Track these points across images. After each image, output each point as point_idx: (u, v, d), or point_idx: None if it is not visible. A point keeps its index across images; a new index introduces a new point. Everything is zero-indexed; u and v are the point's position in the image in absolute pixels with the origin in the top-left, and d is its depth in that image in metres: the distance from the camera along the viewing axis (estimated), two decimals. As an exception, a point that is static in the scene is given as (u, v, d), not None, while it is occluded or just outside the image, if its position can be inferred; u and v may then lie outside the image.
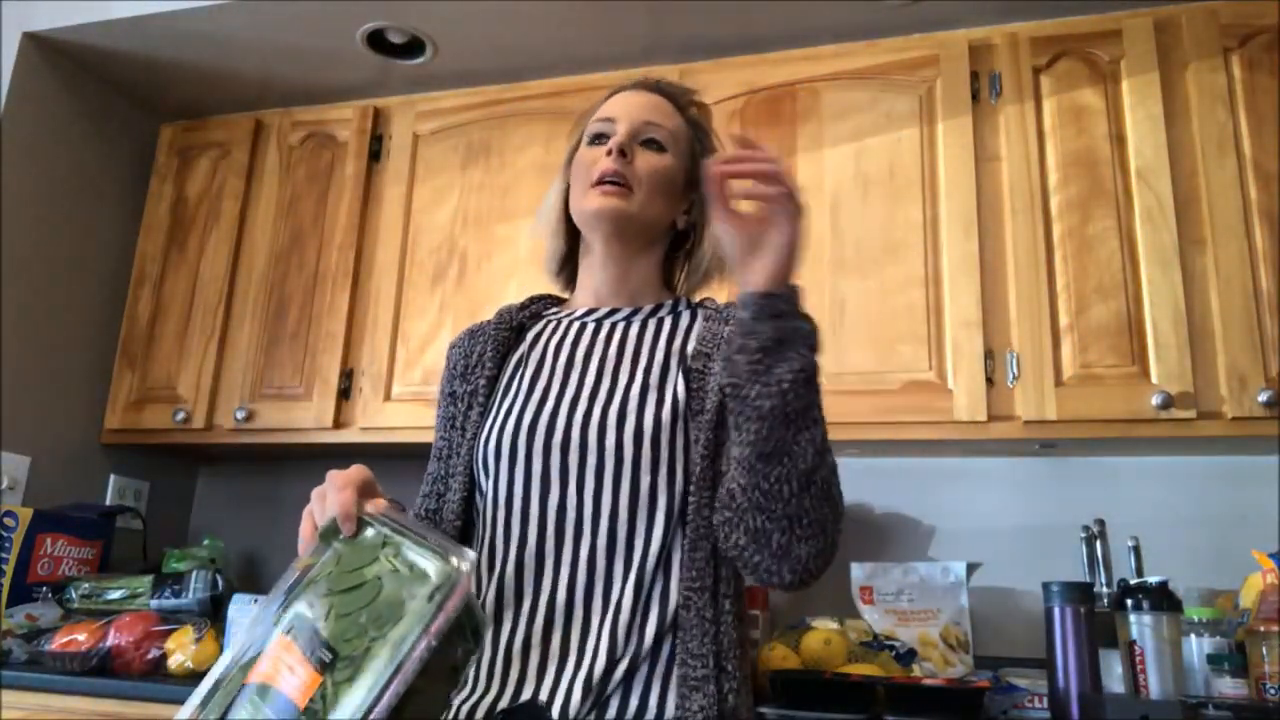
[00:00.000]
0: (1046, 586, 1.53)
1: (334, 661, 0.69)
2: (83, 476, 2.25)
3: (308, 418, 2.11)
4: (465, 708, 0.89)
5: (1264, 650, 1.43)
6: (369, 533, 0.77)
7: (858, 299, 1.83)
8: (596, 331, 1.02)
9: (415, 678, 0.67)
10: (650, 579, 0.89)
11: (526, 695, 0.87)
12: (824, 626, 1.70)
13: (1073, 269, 1.74)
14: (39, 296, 2.17)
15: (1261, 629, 1.45)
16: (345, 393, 2.11)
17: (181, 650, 1.72)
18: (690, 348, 0.98)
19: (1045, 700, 1.52)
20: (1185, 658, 1.51)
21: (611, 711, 0.86)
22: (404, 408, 2.05)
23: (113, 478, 2.33)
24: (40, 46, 2.18)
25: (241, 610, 1.72)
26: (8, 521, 1.94)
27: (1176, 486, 1.85)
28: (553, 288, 1.14)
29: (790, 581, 0.85)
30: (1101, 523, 1.80)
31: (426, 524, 0.81)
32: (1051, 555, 1.87)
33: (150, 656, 1.73)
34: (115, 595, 1.90)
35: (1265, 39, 1.74)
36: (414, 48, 2.14)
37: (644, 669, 0.87)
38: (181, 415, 2.19)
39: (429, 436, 1.10)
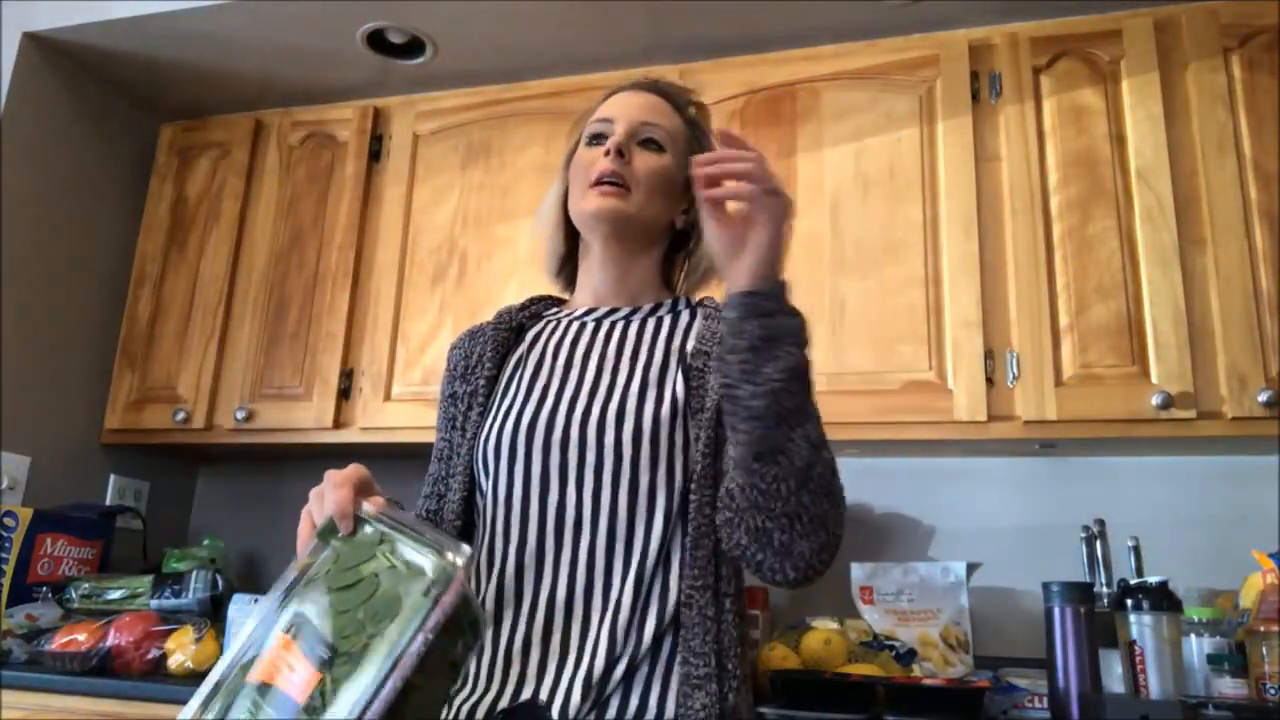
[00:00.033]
0: (1046, 586, 1.53)
1: (333, 658, 0.69)
2: (83, 476, 2.25)
3: (308, 418, 2.11)
4: (465, 707, 0.89)
5: (1264, 650, 1.43)
6: (366, 531, 0.77)
7: (858, 299, 1.83)
8: (596, 331, 1.02)
9: (413, 673, 0.67)
10: (650, 577, 0.89)
11: (527, 694, 0.87)
12: (824, 626, 1.70)
13: (1073, 269, 1.74)
14: (39, 296, 2.17)
15: (1261, 629, 1.45)
16: (345, 393, 2.11)
17: (181, 650, 1.72)
18: (690, 346, 0.98)
19: (1045, 700, 1.52)
20: (1185, 658, 1.51)
21: (611, 711, 0.86)
22: (404, 408, 2.05)
23: (113, 478, 2.33)
24: (40, 46, 2.18)
25: (241, 610, 1.72)
26: (8, 521, 1.94)
27: (1176, 486, 1.85)
28: (553, 288, 1.15)
29: (795, 578, 0.85)
30: (1101, 523, 1.80)
31: (423, 521, 0.82)
32: (1051, 555, 1.87)
33: (150, 656, 1.73)
34: (115, 595, 1.90)
35: (1265, 39, 1.74)
36: (414, 48, 2.14)
37: (644, 668, 0.88)
38: (181, 415, 2.19)
39: (429, 436, 1.10)
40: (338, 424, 2.10)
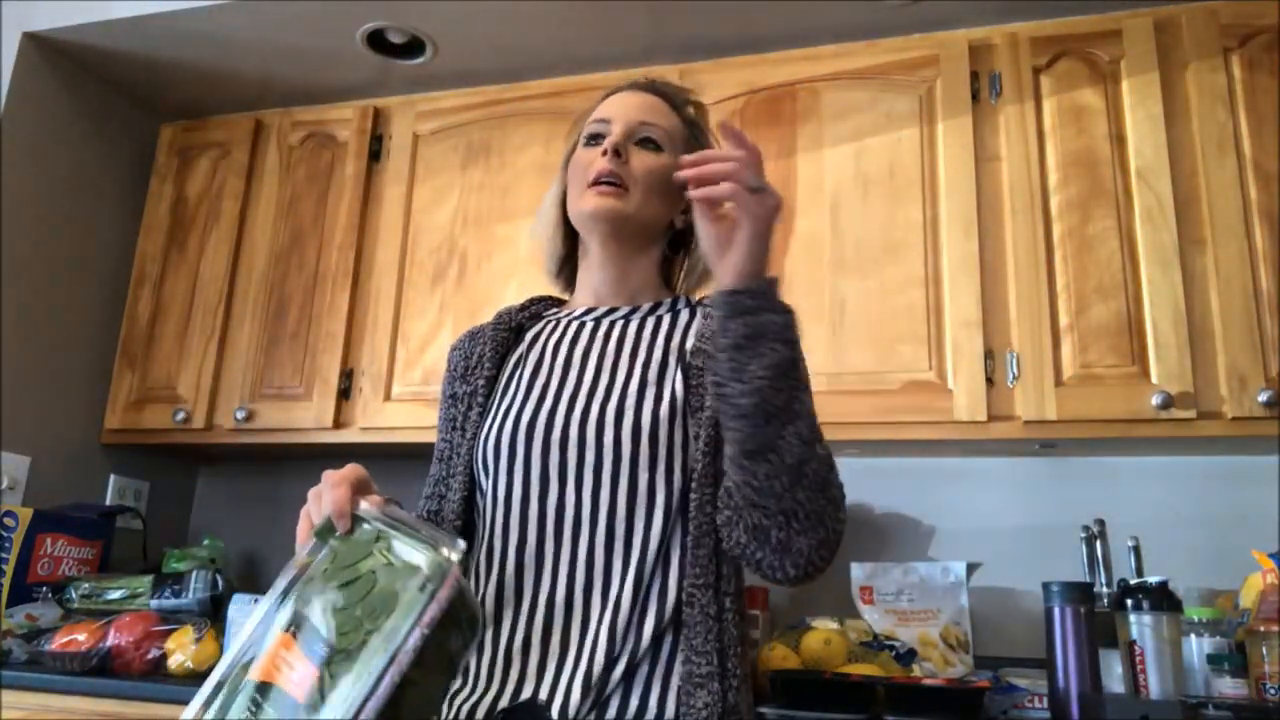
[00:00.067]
0: (1046, 586, 1.53)
1: (332, 655, 0.70)
2: (83, 476, 2.25)
3: (308, 418, 2.11)
4: (466, 707, 0.89)
5: (1264, 650, 1.43)
6: (364, 529, 0.78)
7: (858, 299, 1.83)
8: (595, 330, 1.02)
9: (411, 669, 0.68)
10: (649, 575, 0.90)
11: (527, 694, 0.87)
12: (824, 626, 1.70)
13: (1073, 269, 1.74)
14: (39, 296, 2.17)
15: (1261, 629, 1.45)
16: (345, 393, 2.11)
17: (181, 650, 1.72)
18: (689, 344, 0.98)
19: (1045, 700, 1.52)
20: (1185, 658, 1.51)
21: (612, 711, 0.86)
22: (404, 408, 2.05)
23: (113, 478, 2.33)
24: (40, 46, 2.18)
25: (241, 610, 1.72)
26: (8, 521, 1.94)
27: (1176, 486, 1.85)
28: (552, 289, 1.15)
29: (794, 576, 0.85)
30: (1101, 523, 1.80)
31: (419, 518, 0.82)
32: (1051, 555, 1.87)
33: (150, 656, 1.73)
34: (115, 595, 1.90)
35: (1265, 39, 1.74)
36: (414, 48, 2.14)
37: (644, 668, 0.88)
38: (181, 415, 2.19)
39: (429, 436, 1.10)
40: (338, 424, 2.10)
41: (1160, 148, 1.74)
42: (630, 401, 0.93)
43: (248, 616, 0.77)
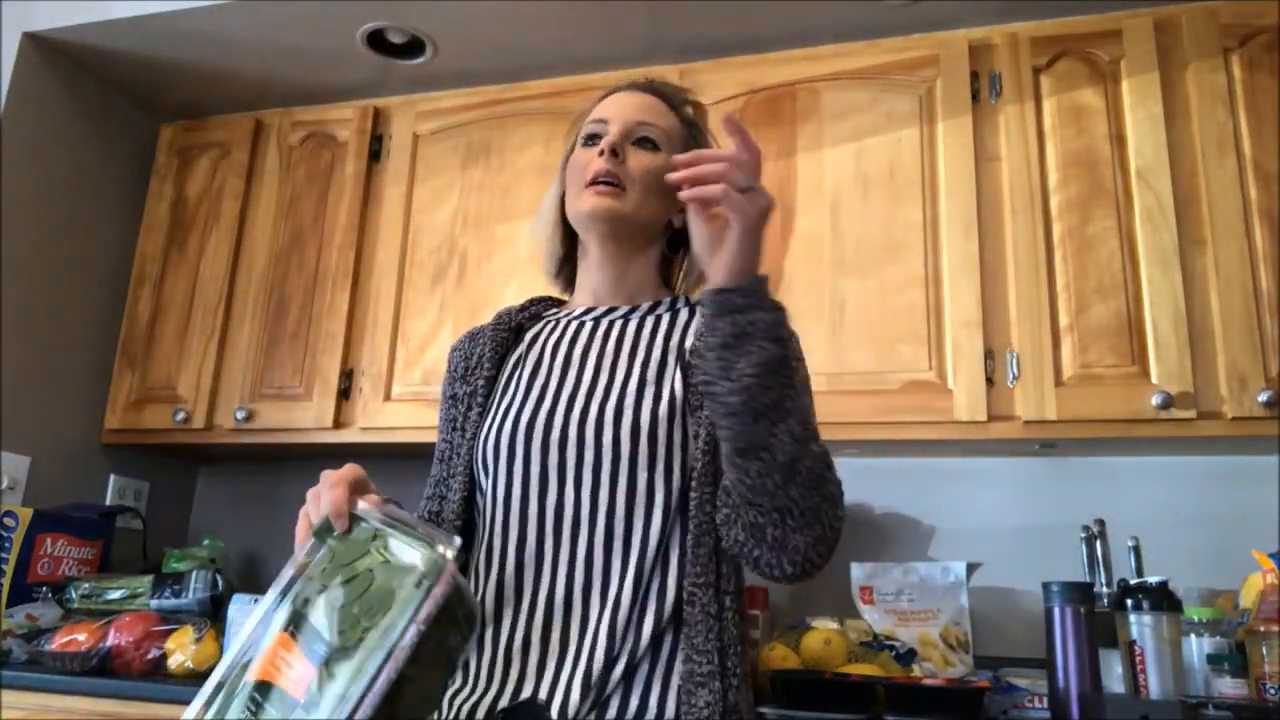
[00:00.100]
0: (1046, 586, 1.53)
1: (330, 653, 0.70)
2: (83, 476, 2.25)
3: (308, 418, 2.11)
4: (466, 706, 0.89)
5: (1264, 650, 1.43)
6: (361, 528, 0.79)
7: (858, 299, 1.83)
8: (594, 330, 1.03)
9: (408, 665, 0.68)
10: (649, 574, 0.90)
11: (526, 693, 0.87)
12: (824, 626, 1.70)
13: (1073, 269, 1.74)
14: (39, 296, 2.17)
15: (1261, 629, 1.45)
16: (345, 393, 2.11)
17: (181, 650, 1.72)
18: (689, 343, 0.98)
19: (1045, 700, 1.52)
20: (1185, 658, 1.51)
21: (612, 711, 0.86)
22: (404, 408, 2.05)
23: (113, 478, 2.33)
24: (40, 46, 2.18)
25: (241, 610, 1.72)
26: (8, 521, 1.94)
27: (1176, 486, 1.85)
28: (552, 289, 1.15)
29: (792, 573, 0.85)
30: (1101, 523, 1.79)
31: (415, 516, 0.83)
32: (1051, 555, 1.87)
33: (150, 656, 1.73)
34: (115, 595, 1.90)
35: (1265, 39, 1.74)
36: (414, 48, 2.14)
37: (644, 668, 0.88)
38: (181, 415, 2.19)
39: (429, 436, 1.10)
40: (338, 424, 2.10)
41: (1160, 148, 1.74)
42: (629, 400, 0.93)
43: (248, 616, 0.78)
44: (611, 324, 1.03)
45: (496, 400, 1.00)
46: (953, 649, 1.75)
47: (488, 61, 2.16)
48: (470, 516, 1.00)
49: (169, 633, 1.76)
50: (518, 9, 1.98)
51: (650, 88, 1.08)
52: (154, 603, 1.86)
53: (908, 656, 1.65)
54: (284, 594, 0.77)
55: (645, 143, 1.02)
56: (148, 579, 1.91)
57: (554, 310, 1.10)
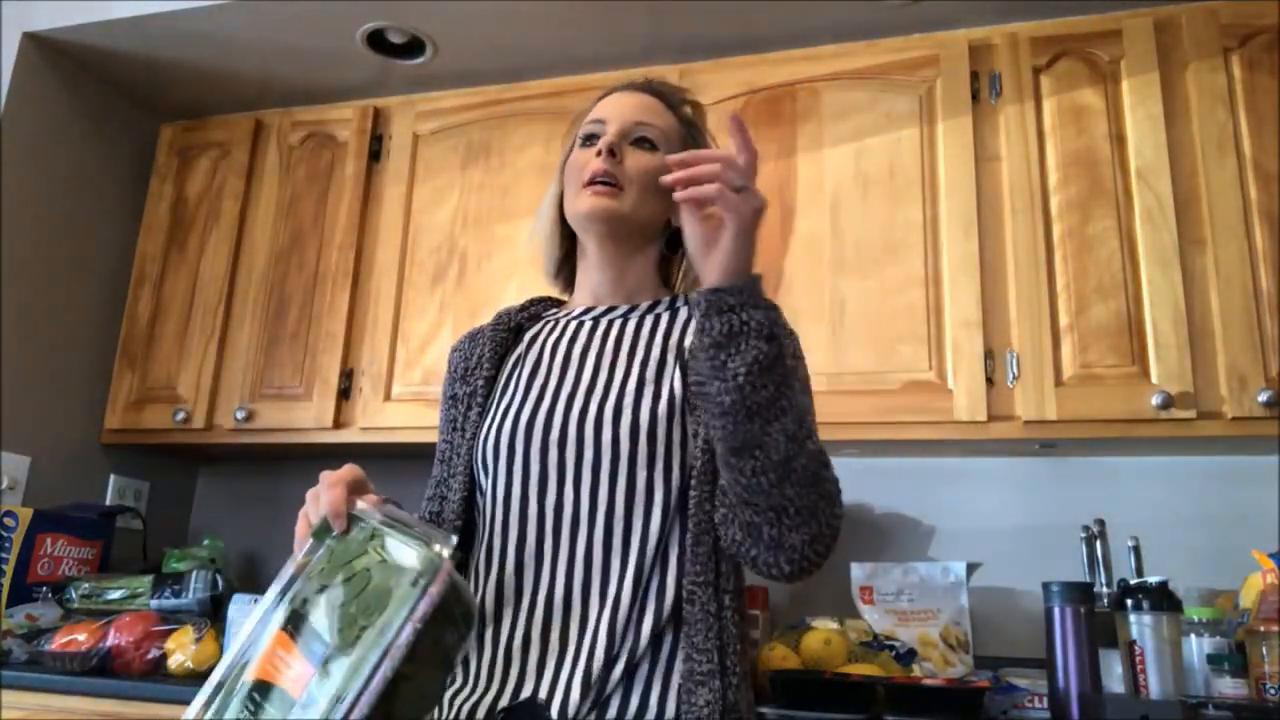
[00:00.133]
0: (1046, 586, 1.53)
1: (328, 652, 0.70)
2: (83, 476, 2.25)
3: (308, 418, 2.11)
4: (466, 706, 0.89)
5: (1264, 650, 1.43)
6: (359, 528, 0.79)
7: (858, 299, 1.83)
8: (593, 329, 1.03)
9: (404, 663, 0.69)
10: (649, 573, 0.90)
11: (527, 692, 0.87)
12: (824, 626, 1.70)
13: (1073, 269, 1.74)
14: (39, 296, 2.17)
15: (1261, 629, 1.45)
16: (345, 393, 2.11)
17: (181, 650, 1.72)
18: (688, 342, 0.98)
19: (1045, 700, 1.52)
20: (1185, 658, 1.51)
21: (612, 711, 0.86)
22: (404, 408, 2.05)
23: (113, 478, 2.33)
24: (40, 46, 2.19)
25: (241, 610, 1.72)
26: (8, 521, 1.94)
27: (1176, 486, 1.85)
28: (552, 290, 1.15)
29: (790, 572, 0.85)
30: (1101, 523, 1.79)
31: (414, 516, 0.83)
32: (1051, 555, 1.87)
33: (150, 656, 1.73)
34: (115, 595, 1.90)
35: (1265, 39, 1.74)
36: (414, 48, 2.14)
37: (644, 667, 0.88)
38: (181, 415, 2.19)
39: (429, 437, 1.11)
40: (338, 424, 2.10)
41: (1160, 148, 1.74)
42: (629, 399, 0.93)
43: (247, 616, 0.78)
44: (611, 323, 1.03)
45: (496, 400, 1.01)
46: (953, 649, 1.75)
47: (488, 61, 2.16)
48: (470, 516, 1.00)
49: (169, 633, 1.76)
50: (518, 9, 1.98)
51: (648, 88, 1.08)
52: (154, 603, 1.86)
53: (908, 656, 1.65)
54: (283, 594, 0.77)
55: (643, 143, 1.02)
56: (148, 579, 1.91)
57: (553, 310, 1.10)
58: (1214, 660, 1.50)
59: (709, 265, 0.82)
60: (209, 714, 0.73)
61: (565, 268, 1.12)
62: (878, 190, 1.87)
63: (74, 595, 1.91)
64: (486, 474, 0.96)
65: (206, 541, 2.27)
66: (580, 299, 1.08)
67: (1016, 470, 1.95)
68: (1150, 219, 1.72)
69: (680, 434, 0.92)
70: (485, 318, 1.11)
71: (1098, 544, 1.78)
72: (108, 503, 2.30)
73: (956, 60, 1.89)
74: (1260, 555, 1.53)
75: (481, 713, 0.88)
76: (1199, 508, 1.83)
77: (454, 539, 0.75)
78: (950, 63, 1.89)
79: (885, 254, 1.84)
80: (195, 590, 1.86)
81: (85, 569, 2.06)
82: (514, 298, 1.12)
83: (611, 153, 0.99)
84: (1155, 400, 1.62)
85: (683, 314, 1.03)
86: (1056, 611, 1.50)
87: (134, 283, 2.36)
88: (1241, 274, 1.66)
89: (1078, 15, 1.85)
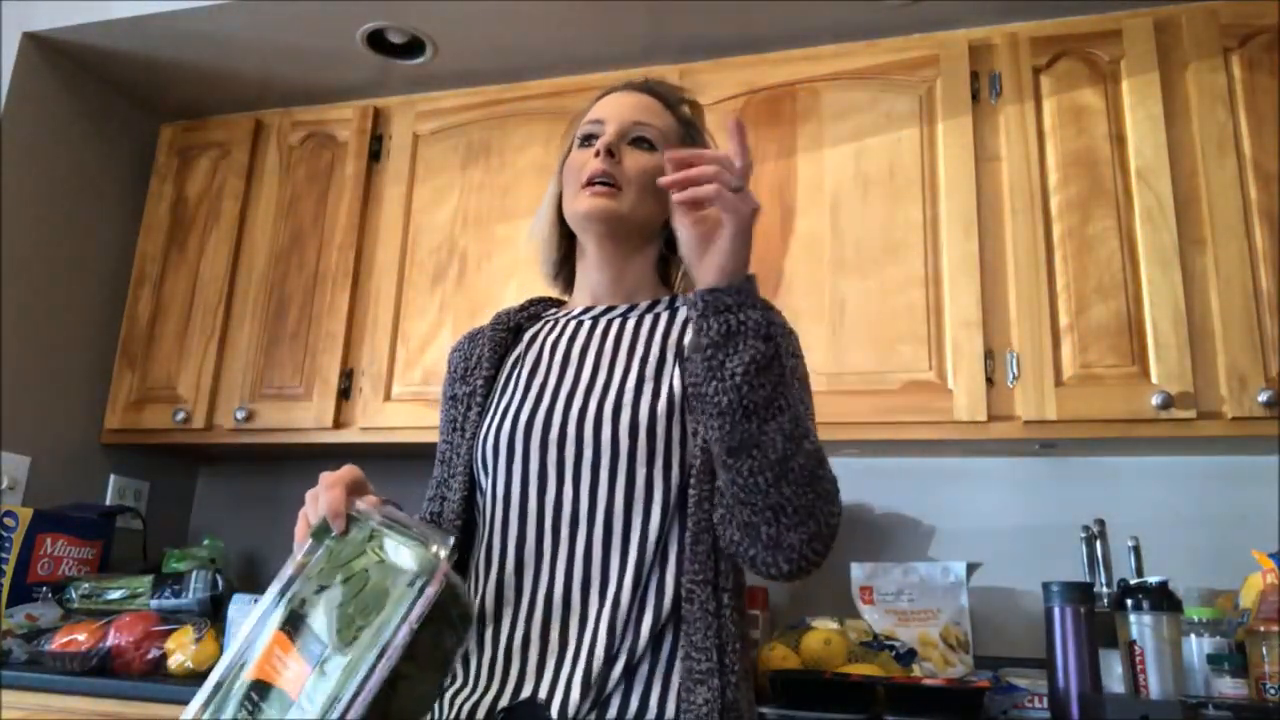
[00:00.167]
0: (1046, 586, 1.53)
1: (325, 652, 0.70)
2: (83, 476, 2.25)
3: (308, 418, 2.11)
4: (466, 706, 0.89)
5: (1264, 650, 1.43)
6: (358, 529, 0.79)
7: (858, 299, 1.83)
8: (593, 329, 1.03)
9: (402, 663, 0.69)
10: (648, 571, 0.90)
11: (527, 692, 0.87)
12: (824, 626, 1.70)
13: (1073, 269, 1.74)
14: (39, 296, 2.17)
15: (1261, 629, 1.45)
16: (345, 393, 2.11)
17: (181, 650, 1.72)
18: (687, 340, 0.98)
19: (1045, 700, 1.52)
20: (1185, 658, 1.51)
21: (612, 711, 0.86)
22: (404, 408, 2.05)
23: (113, 478, 2.33)
24: (40, 46, 2.19)
25: (241, 610, 1.72)
26: (8, 521, 1.94)
27: (1176, 486, 1.85)
28: (552, 290, 1.15)
29: (789, 571, 0.85)
30: (1101, 523, 1.79)
31: (413, 517, 0.83)
32: (1051, 555, 1.87)
33: (150, 656, 1.73)
34: (115, 595, 1.90)
35: (1265, 39, 1.74)
36: (414, 48, 2.14)
37: (644, 667, 0.88)
38: (181, 415, 2.19)
39: (429, 437, 1.11)
40: (338, 424, 2.10)
41: (1160, 148, 1.74)
42: (628, 398, 0.93)
43: (247, 616, 0.78)
44: (610, 323, 1.03)
45: (495, 400, 1.01)
46: (953, 649, 1.75)
47: (488, 61, 2.16)
48: (470, 516, 1.00)
49: (169, 633, 1.76)
50: (518, 9, 1.98)
51: (646, 88, 1.08)
52: (154, 603, 1.86)
53: (908, 656, 1.65)
54: (281, 594, 0.78)
55: (641, 143, 1.02)
56: (148, 579, 1.91)
57: (553, 310, 1.10)
58: (1214, 660, 1.50)
59: (705, 266, 0.82)
60: (207, 714, 0.73)
61: (564, 268, 1.12)
62: (878, 190, 1.87)
63: (74, 595, 1.91)
64: (486, 473, 0.96)
65: (206, 541, 2.28)
66: (579, 299, 1.08)
67: (1016, 470, 1.95)
68: (1150, 219, 1.72)
69: (680, 432, 0.92)
70: (485, 318, 1.11)
71: (1098, 544, 1.78)
72: (108, 503, 2.30)
73: (956, 60, 1.89)
74: (1260, 555, 1.53)
75: (481, 712, 0.88)
76: (1199, 508, 1.83)
77: (452, 540, 0.75)
78: (950, 63, 1.89)
79: (885, 254, 1.84)
80: (195, 590, 1.86)
81: (85, 569, 2.06)
82: (514, 298, 1.13)
83: (610, 153, 0.99)
84: (1155, 400, 1.62)
85: (682, 313, 1.03)
86: (1056, 611, 1.50)
87: (134, 283, 2.36)
88: (1241, 274, 1.65)
89: (1078, 15, 1.85)
